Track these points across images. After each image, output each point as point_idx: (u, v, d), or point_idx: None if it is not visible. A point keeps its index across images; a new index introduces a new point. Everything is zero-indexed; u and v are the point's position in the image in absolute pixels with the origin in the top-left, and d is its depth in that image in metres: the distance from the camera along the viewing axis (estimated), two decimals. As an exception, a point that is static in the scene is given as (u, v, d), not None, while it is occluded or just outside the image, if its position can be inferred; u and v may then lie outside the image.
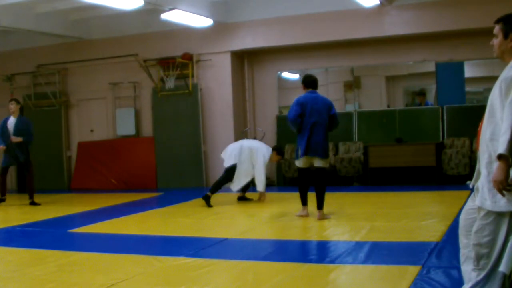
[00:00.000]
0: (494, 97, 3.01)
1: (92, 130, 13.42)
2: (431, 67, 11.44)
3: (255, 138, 11.67)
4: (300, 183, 7.56)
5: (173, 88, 12.20)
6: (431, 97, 11.86)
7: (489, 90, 3.30)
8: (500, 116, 2.92)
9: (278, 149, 9.77)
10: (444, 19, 10.63)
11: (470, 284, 3.12)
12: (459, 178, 10.38)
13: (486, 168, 3.01)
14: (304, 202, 7.54)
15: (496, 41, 3.15)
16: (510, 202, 2.90)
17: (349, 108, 12.12)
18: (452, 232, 5.70)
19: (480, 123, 3.17)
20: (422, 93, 11.87)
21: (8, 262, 5.75)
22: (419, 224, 6.61)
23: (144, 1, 9.40)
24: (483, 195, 3.01)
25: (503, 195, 2.88)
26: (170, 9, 10.17)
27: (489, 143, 3.00)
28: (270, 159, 9.29)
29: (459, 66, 11.25)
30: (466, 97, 11.36)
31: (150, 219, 8.37)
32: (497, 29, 3.15)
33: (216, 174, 12.25)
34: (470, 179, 3.31)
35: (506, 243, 2.96)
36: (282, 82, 12.59)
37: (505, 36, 3.10)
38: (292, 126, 7.30)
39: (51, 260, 5.46)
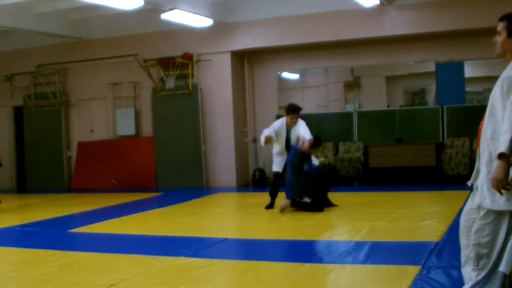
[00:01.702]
0: (495, 96, 2.99)
1: (92, 130, 13.41)
2: (431, 67, 11.44)
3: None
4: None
5: (173, 88, 12.20)
6: (431, 97, 11.87)
7: (489, 90, 3.28)
8: (501, 115, 2.91)
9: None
10: (444, 19, 10.63)
11: (470, 284, 3.11)
12: (459, 178, 10.37)
13: (486, 167, 3.00)
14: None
15: (499, 39, 3.11)
16: (510, 201, 2.89)
17: (349, 108, 12.11)
18: (452, 232, 5.70)
19: (481, 122, 3.16)
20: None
21: (8, 262, 5.76)
22: (419, 224, 6.61)
23: (144, 1, 9.39)
24: (482, 193, 3.00)
25: (501, 193, 2.87)
26: (170, 9, 10.17)
27: (490, 142, 2.98)
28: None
29: (459, 66, 11.25)
30: (466, 97, 11.35)
31: (150, 219, 8.36)
32: (501, 26, 3.11)
33: (216, 174, 12.27)
34: (470, 179, 3.30)
35: (506, 243, 2.96)
36: (282, 82, 12.58)
37: (509, 35, 3.06)
38: None
39: (51, 260, 5.46)
